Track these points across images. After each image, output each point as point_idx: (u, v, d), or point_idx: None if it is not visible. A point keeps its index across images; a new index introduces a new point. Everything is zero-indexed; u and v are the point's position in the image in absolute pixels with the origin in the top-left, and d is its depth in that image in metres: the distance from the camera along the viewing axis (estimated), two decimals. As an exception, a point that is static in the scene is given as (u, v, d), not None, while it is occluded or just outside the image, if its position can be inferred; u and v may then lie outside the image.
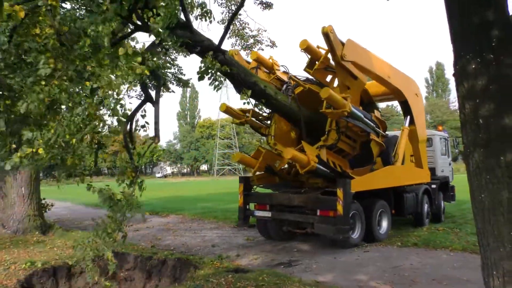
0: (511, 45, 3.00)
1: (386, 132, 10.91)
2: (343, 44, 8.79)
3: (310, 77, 9.80)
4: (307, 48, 8.83)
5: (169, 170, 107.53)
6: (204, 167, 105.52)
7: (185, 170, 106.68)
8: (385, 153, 10.42)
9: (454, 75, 3.21)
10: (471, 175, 3.02)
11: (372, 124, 9.74)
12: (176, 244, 10.92)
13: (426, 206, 12.34)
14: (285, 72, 10.30)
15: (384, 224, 10.55)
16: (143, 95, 5.26)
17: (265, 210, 10.28)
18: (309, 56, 9.16)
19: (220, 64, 5.15)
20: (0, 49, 3.74)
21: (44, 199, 13.13)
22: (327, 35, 8.38)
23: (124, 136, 5.02)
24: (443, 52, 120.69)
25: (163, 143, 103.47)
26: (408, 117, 11.35)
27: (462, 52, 3.09)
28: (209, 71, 4.97)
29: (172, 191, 34.11)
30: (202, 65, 4.96)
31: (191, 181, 68.86)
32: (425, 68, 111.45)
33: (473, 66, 2.99)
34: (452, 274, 7.25)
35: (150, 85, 5.56)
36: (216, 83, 5.18)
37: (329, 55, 9.03)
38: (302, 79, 10.06)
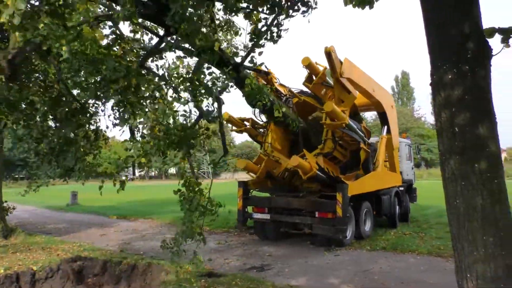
0: (485, 58, 3.13)
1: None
2: (341, 62, 9.41)
3: (304, 89, 10.53)
4: (308, 65, 9.42)
5: (136, 173, 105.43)
6: (172, 170, 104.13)
7: (152, 173, 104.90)
8: (366, 159, 11.20)
9: (431, 84, 3.32)
10: (446, 182, 3.12)
11: (361, 134, 10.51)
12: (146, 248, 10.71)
13: (397, 207, 13.21)
14: (282, 85, 10.96)
15: (368, 223, 11.41)
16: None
17: (264, 212, 10.80)
18: (308, 71, 9.74)
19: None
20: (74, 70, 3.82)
21: (5, 202, 12.59)
22: (329, 54, 8.95)
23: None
24: (409, 61, 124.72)
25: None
26: (385, 126, 12.26)
27: (439, 63, 3.19)
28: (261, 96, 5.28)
29: (140, 195, 33.41)
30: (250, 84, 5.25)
31: (159, 185, 67.74)
32: (391, 76, 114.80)
33: (450, 77, 3.10)
34: (420, 277, 7.47)
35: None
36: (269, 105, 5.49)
37: (325, 71, 9.73)
38: (296, 91, 10.81)
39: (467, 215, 2.95)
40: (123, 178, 5.36)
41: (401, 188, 13.82)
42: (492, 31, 3.55)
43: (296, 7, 5.08)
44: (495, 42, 3.35)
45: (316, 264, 8.73)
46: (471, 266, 2.93)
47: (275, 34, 5.37)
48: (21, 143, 4.31)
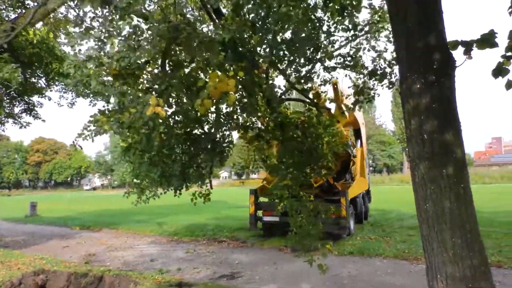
0: (449, 69, 3.31)
1: None
2: (341, 91, 10.76)
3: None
4: (316, 92, 10.93)
5: (98, 182, 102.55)
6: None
7: (116, 183, 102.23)
8: (351, 168, 13.36)
9: (400, 93, 3.47)
10: (416, 186, 3.26)
11: (352, 148, 12.56)
12: (112, 259, 10.43)
13: (363, 207, 15.06)
14: None
15: (353, 221, 12.98)
16: None
17: (273, 215, 12.22)
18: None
19: None
20: None
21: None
22: (335, 85, 10.40)
23: None
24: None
25: (92, 154, 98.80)
26: (359, 140, 14.44)
27: (408, 73, 3.34)
28: None
29: (103, 205, 32.49)
30: None
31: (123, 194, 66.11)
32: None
33: (418, 86, 3.25)
34: (387, 280, 7.67)
35: None
36: None
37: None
38: None
39: (436, 217, 3.09)
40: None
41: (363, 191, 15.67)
42: (455, 44, 3.76)
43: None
44: (458, 54, 3.55)
45: (286, 270, 8.79)
46: (440, 267, 3.05)
47: (370, 96, 6.45)
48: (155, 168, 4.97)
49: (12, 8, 10.53)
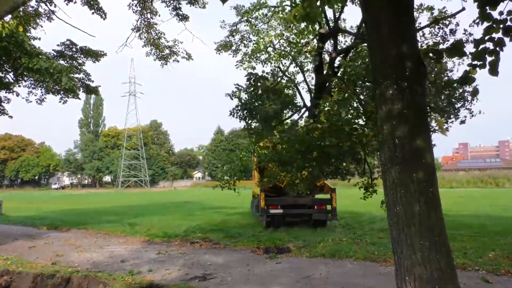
0: (421, 76, 3.41)
1: None
2: None
3: None
4: None
5: (67, 181, 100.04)
6: (107, 178, 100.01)
7: (86, 181, 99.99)
8: None
9: (374, 99, 3.54)
10: (388, 190, 3.34)
11: None
12: (80, 260, 10.17)
13: None
14: None
15: None
16: None
17: (277, 208, 15.01)
18: None
19: None
20: None
21: None
22: None
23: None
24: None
25: (62, 151, 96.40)
26: None
27: (381, 79, 3.42)
28: None
29: (72, 204, 31.72)
30: None
31: (93, 193, 64.73)
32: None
33: (391, 92, 3.33)
34: (358, 282, 7.80)
35: None
36: None
37: None
38: None
39: (406, 221, 3.17)
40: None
41: None
42: (426, 52, 3.89)
43: None
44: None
45: (258, 272, 8.81)
46: (409, 269, 3.14)
47: None
48: None
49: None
